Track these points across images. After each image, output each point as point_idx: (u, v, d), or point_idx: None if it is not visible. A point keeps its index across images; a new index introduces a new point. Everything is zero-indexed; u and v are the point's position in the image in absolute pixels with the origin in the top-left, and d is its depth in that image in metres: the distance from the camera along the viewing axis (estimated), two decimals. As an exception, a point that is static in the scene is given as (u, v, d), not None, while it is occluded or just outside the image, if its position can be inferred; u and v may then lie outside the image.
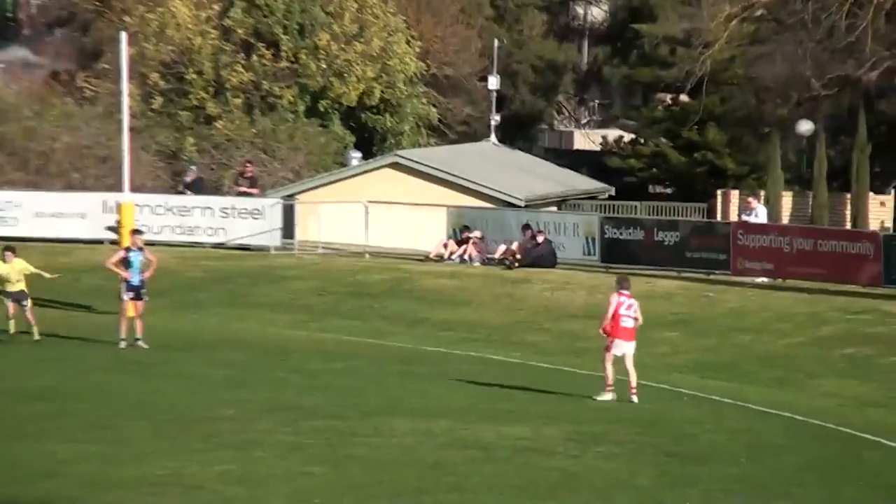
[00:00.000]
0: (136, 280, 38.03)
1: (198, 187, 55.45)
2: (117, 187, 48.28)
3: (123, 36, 48.65)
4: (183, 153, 61.14)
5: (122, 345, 37.46)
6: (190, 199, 54.25)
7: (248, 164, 57.59)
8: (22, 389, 31.79)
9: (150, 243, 42.31)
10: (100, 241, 49.11)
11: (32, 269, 40.03)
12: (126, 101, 47.43)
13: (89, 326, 40.76)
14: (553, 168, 68.72)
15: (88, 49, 73.95)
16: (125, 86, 47.42)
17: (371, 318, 44.02)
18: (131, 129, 47.84)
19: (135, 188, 48.39)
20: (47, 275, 40.34)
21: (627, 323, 31.97)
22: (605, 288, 44.84)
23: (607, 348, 32.09)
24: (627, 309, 32.08)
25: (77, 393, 31.57)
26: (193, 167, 57.58)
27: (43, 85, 68.48)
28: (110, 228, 53.29)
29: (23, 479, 24.06)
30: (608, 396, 32.01)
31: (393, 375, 35.78)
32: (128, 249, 38.62)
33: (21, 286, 39.38)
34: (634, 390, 32.00)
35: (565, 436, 28.64)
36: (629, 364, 31.94)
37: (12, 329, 38.89)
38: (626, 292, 32.26)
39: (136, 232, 40.02)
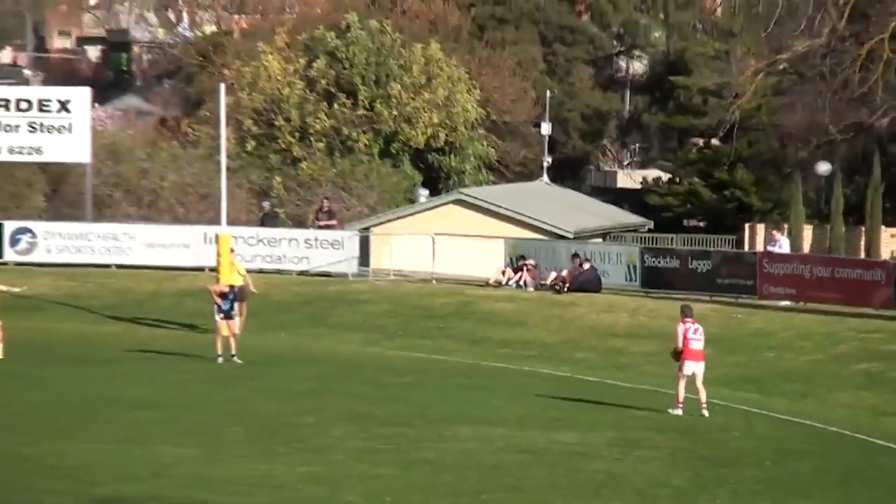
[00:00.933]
0: (227, 305, 38.02)
1: (269, 221, 55.49)
2: (216, 220, 48.45)
3: (222, 87, 48.92)
4: (272, 191, 61.33)
5: (220, 360, 37.52)
6: (278, 232, 54.29)
7: (325, 200, 57.78)
8: (130, 399, 31.94)
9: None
10: (201, 269, 49.20)
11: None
12: (224, 145, 47.65)
13: (191, 344, 40.86)
14: (598, 204, 68.67)
15: (192, 98, 74.46)
16: (223, 131, 47.65)
17: (437, 337, 43.98)
18: (228, 170, 48.10)
19: (231, 221, 48.51)
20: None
21: (696, 346, 31.66)
22: (645, 311, 45.04)
23: (680, 369, 31.73)
24: (694, 333, 31.80)
25: (179, 402, 31.71)
26: (266, 203, 57.60)
27: (153, 130, 69.00)
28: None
29: (132, 478, 24.21)
30: (678, 412, 31.70)
31: (456, 388, 35.79)
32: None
33: None
34: (704, 405, 31.73)
35: (609, 441, 28.63)
36: (699, 383, 31.64)
37: None
38: (689, 319, 31.97)
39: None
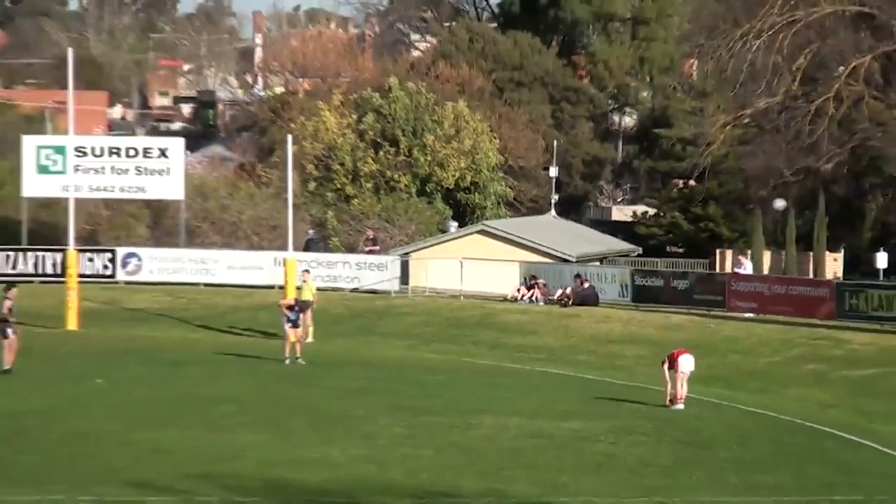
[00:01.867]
0: (294, 315, 37.94)
1: (313, 246, 55.44)
2: (284, 247, 48.57)
3: (289, 138, 49.07)
4: (328, 223, 61.39)
5: (287, 362, 37.46)
6: (334, 256, 54.36)
7: (372, 231, 57.88)
8: (214, 395, 31.95)
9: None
10: (272, 287, 49.28)
11: None
12: (290, 185, 47.75)
13: (264, 348, 40.96)
14: (596, 234, 68.63)
15: (265, 147, 74.61)
16: (290, 174, 47.75)
17: (464, 343, 43.90)
18: (293, 206, 48.10)
19: (295, 248, 48.59)
20: None
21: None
22: (636, 321, 44.82)
23: (675, 370, 31.44)
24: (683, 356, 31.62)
25: (253, 398, 31.67)
26: (311, 231, 57.56)
27: (233, 173, 69.17)
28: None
29: (216, 460, 24.31)
30: (681, 406, 31.41)
31: (480, 385, 35.68)
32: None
33: None
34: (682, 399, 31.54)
35: (606, 429, 28.56)
36: (685, 380, 31.42)
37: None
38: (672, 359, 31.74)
39: (305, 272, 40.24)
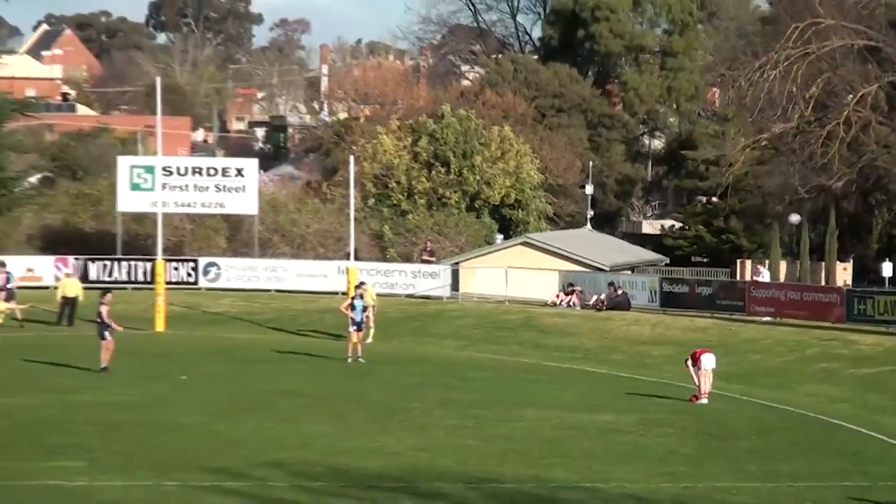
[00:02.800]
0: (358, 318, 37.90)
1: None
2: (346, 257, 48.88)
3: (351, 159, 49.27)
4: (386, 236, 61.49)
5: (349, 360, 37.53)
6: (392, 265, 54.48)
7: (427, 243, 57.96)
8: (284, 389, 32.07)
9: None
10: (335, 293, 49.40)
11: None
12: (352, 201, 47.97)
13: (329, 348, 41.08)
14: (628, 245, 68.41)
15: (329, 167, 74.77)
16: (352, 191, 47.95)
17: (509, 343, 43.86)
18: (355, 220, 48.40)
19: (357, 258, 48.88)
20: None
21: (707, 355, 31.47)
22: (664, 324, 44.66)
23: (697, 367, 31.28)
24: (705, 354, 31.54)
25: (319, 392, 31.82)
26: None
27: (301, 190, 69.29)
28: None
29: (285, 448, 24.45)
30: (704, 400, 31.28)
31: (523, 381, 35.71)
32: (353, 298, 38.77)
33: None
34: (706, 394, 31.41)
35: (636, 421, 28.59)
36: (709, 376, 31.32)
37: None
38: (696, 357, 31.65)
39: (360, 285, 40.42)
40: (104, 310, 34.00)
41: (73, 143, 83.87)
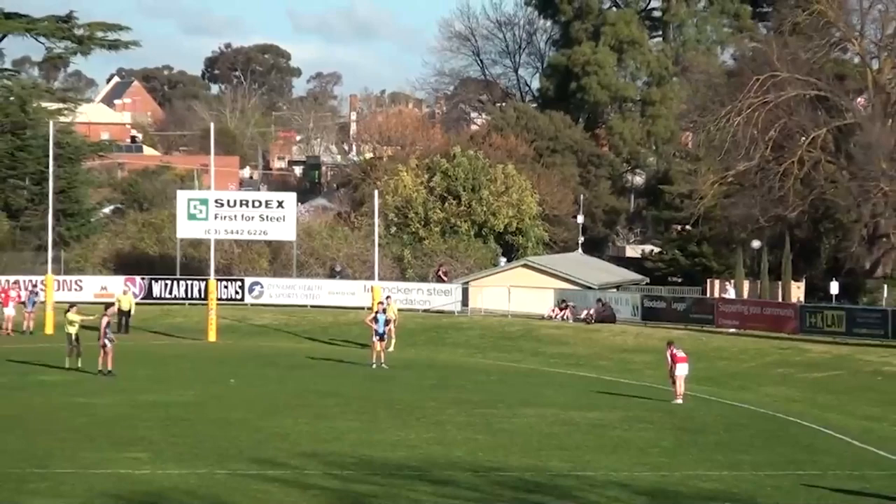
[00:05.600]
0: (381, 329, 37.74)
1: (342, 275, 55.42)
2: (371, 277, 48.87)
3: (376, 192, 49.35)
4: (405, 259, 61.37)
5: (373, 366, 37.30)
6: (410, 284, 54.22)
7: (441, 265, 57.89)
8: (319, 390, 32.06)
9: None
10: (362, 308, 49.41)
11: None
12: (376, 230, 47.99)
13: (356, 355, 41.07)
14: (614, 267, 68.13)
15: (357, 199, 74.51)
16: (376, 220, 47.98)
17: (511, 351, 43.78)
18: (378, 245, 48.43)
19: (381, 278, 48.86)
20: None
21: (681, 355, 31.26)
22: (644, 335, 44.47)
23: (672, 374, 31.17)
24: (678, 350, 31.33)
25: (348, 392, 31.70)
26: (337, 265, 56.98)
27: (333, 220, 69.19)
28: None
29: (321, 441, 24.35)
30: (679, 401, 31.10)
31: (523, 384, 35.63)
32: (377, 312, 38.61)
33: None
34: (680, 396, 31.26)
35: (621, 418, 28.49)
36: (683, 380, 31.17)
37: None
38: (672, 345, 31.56)
39: (385, 299, 40.34)
40: (105, 321, 33.15)
41: (140, 179, 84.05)
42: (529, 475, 21.69)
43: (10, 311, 44.74)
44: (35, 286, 47.24)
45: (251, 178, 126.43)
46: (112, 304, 36.72)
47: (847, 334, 41.33)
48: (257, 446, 23.57)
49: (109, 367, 33.18)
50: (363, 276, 54.94)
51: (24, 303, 45.82)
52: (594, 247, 78.90)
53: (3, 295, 45.43)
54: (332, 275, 55.61)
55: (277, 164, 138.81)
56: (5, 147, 61.72)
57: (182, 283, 53.09)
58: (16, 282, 48.72)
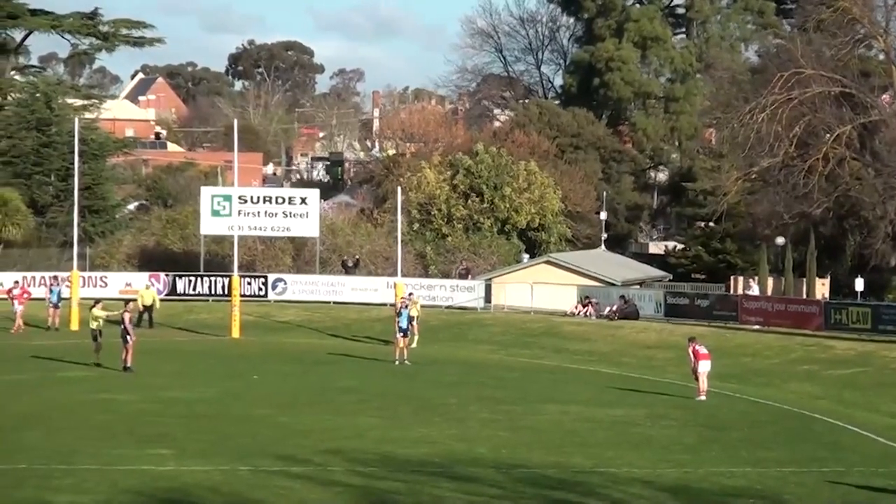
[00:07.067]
0: (403, 324, 37.71)
1: (350, 271, 55.17)
2: (394, 274, 48.88)
3: (399, 189, 49.33)
4: (428, 256, 61.37)
5: (396, 363, 37.38)
6: (434, 280, 54.20)
7: (463, 262, 57.84)
8: (341, 387, 32.06)
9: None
10: (384, 304, 49.36)
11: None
12: (399, 226, 48.01)
13: (379, 352, 41.07)
14: (637, 263, 67.98)
15: (380, 196, 74.64)
16: (399, 217, 48.00)
17: (534, 347, 43.74)
18: (401, 242, 48.42)
19: (403, 275, 48.85)
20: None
21: (704, 351, 31.23)
22: (667, 332, 44.38)
23: (695, 371, 31.11)
24: (700, 347, 31.31)
25: (370, 389, 31.72)
26: (356, 256, 57.02)
27: (356, 216, 69.28)
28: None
29: (342, 438, 24.39)
30: (703, 398, 31.08)
31: (546, 380, 35.59)
32: (400, 307, 38.59)
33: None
34: (704, 393, 31.20)
35: (644, 415, 28.43)
36: (706, 377, 31.11)
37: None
38: (695, 342, 31.52)
39: (409, 295, 40.29)
40: (126, 317, 33.21)
41: (164, 175, 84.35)
42: (552, 472, 21.64)
43: (19, 308, 44.53)
44: (56, 279, 47.38)
45: (274, 174, 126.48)
46: (133, 299, 36.82)
47: (872, 331, 41.08)
48: (280, 442, 23.59)
49: (129, 364, 33.26)
50: (386, 272, 54.92)
51: (47, 298, 45.95)
52: (617, 243, 78.72)
53: (20, 292, 45.41)
54: (345, 268, 55.63)
55: (300, 160, 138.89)
56: (31, 143, 62.06)
57: (206, 279, 53.19)
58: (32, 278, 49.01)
